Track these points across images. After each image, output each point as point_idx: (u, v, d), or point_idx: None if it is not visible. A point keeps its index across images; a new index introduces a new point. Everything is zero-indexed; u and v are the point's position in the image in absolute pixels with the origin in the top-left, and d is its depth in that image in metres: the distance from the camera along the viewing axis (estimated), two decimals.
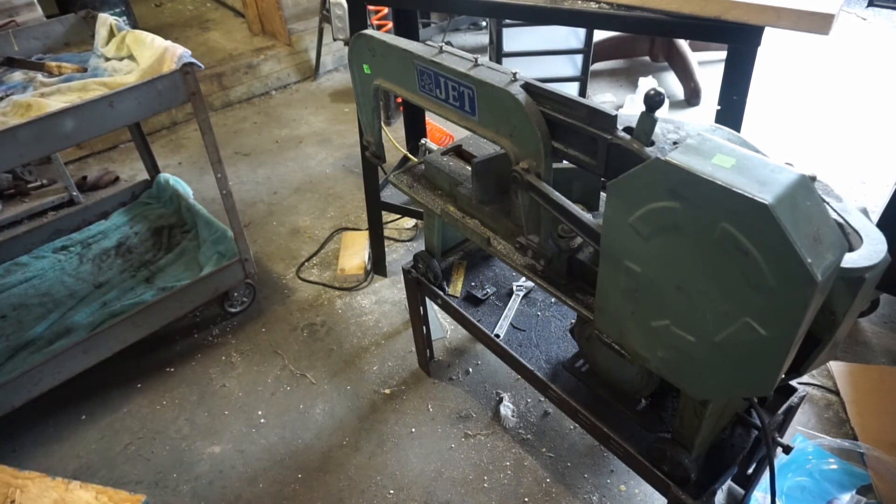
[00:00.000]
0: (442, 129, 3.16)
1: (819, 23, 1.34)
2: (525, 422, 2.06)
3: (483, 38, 4.82)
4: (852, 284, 0.97)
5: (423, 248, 1.87)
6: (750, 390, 1.00)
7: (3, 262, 2.59)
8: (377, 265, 2.70)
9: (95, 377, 2.24)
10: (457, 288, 1.88)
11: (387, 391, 2.21)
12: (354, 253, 2.74)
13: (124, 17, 4.00)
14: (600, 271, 1.14)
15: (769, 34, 1.42)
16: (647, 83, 3.67)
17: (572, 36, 3.32)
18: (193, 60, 1.92)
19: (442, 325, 2.42)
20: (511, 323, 1.76)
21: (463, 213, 1.59)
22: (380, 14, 3.69)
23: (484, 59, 1.32)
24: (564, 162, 1.30)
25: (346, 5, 3.38)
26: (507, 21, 3.22)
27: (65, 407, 2.21)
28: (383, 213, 2.56)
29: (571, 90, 3.01)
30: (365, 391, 2.22)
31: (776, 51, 4.33)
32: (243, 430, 2.12)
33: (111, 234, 2.74)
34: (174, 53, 1.91)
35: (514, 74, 1.24)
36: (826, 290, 0.90)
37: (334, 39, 3.66)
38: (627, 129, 1.11)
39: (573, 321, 1.58)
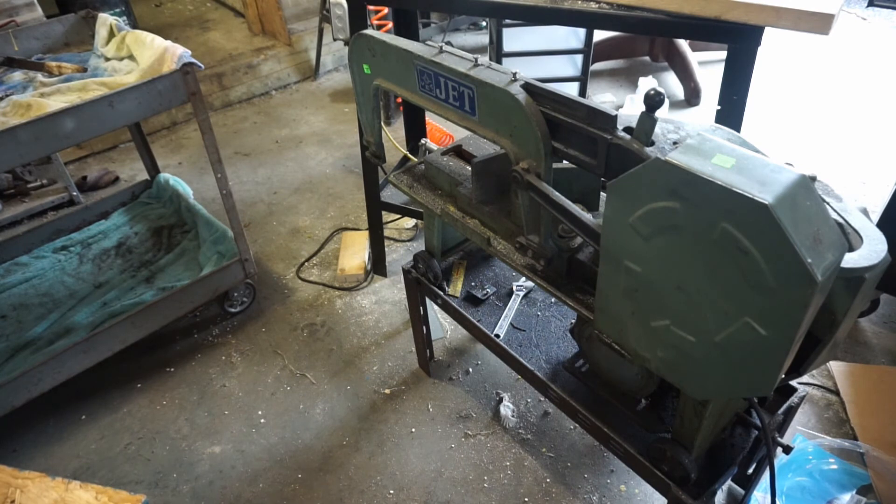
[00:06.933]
0: (442, 129, 3.17)
1: (819, 23, 1.34)
2: (525, 422, 2.06)
3: (483, 38, 4.82)
4: (852, 284, 0.97)
5: (423, 248, 1.87)
6: (750, 390, 1.00)
7: (3, 262, 2.59)
8: (377, 265, 2.70)
9: (95, 377, 2.24)
10: (457, 288, 1.88)
11: (387, 391, 2.21)
12: (354, 253, 2.74)
13: (124, 17, 4.00)
14: (600, 271, 1.14)
15: (769, 34, 1.42)
16: (647, 83, 3.67)
17: (572, 36, 3.32)
18: (193, 60, 1.92)
19: (442, 325, 2.42)
20: (511, 323, 1.76)
21: (463, 213, 1.59)
22: (380, 14, 3.69)
23: (484, 59, 1.32)
24: (564, 162, 1.30)
25: (346, 5, 3.38)
26: (507, 21, 3.22)
27: (65, 407, 2.21)
28: (383, 213, 2.56)
29: (571, 90, 3.01)
30: (365, 391, 2.22)
31: (776, 51, 4.33)
32: (243, 430, 2.12)
33: (111, 234, 2.74)
34: (174, 53, 1.91)
35: (514, 74, 1.24)
36: (826, 290, 0.90)
37: (334, 39, 3.66)
38: (627, 129, 1.11)
39: (573, 321, 1.58)
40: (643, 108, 1.04)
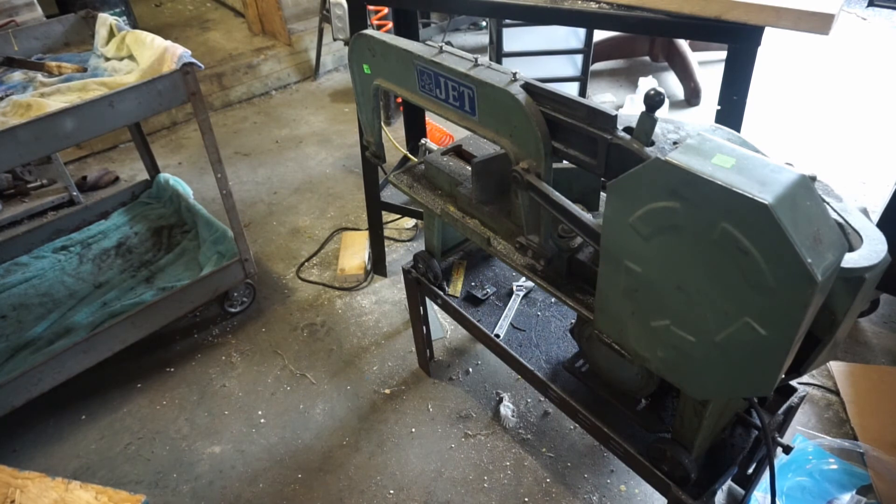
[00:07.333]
0: (442, 129, 3.16)
1: (819, 23, 1.34)
2: (525, 422, 2.06)
3: (483, 38, 4.82)
4: (852, 284, 0.97)
5: (423, 248, 1.87)
6: (750, 390, 1.00)
7: (3, 262, 2.59)
8: (377, 265, 2.70)
9: (95, 377, 2.24)
10: (457, 288, 1.88)
11: (387, 391, 2.21)
12: (354, 253, 2.74)
13: (124, 17, 4.00)
14: (600, 271, 1.14)
15: (769, 34, 1.42)
16: (647, 83, 3.67)
17: (572, 36, 3.32)
18: (193, 60, 1.92)
19: (442, 325, 2.42)
20: (511, 323, 1.76)
21: (463, 213, 1.59)
22: (380, 14, 3.69)
23: (484, 59, 1.32)
24: (564, 162, 1.30)
25: (346, 5, 3.38)
26: (507, 21, 3.22)
27: (65, 407, 2.21)
28: (383, 213, 2.56)
29: (571, 90, 3.01)
30: (365, 391, 2.22)
31: (776, 51, 4.33)
32: (243, 430, 2.12)
33: (111, 234, 2.74)
34: (174, 53, 1.91)
35: (514, 74, 1.24)
36: (826, 290, 0.90)
37: (334, 39, 3.66)
38: (627, 129, 1.11)
39: (573, 321, 1.58)
40: (643, 108, 1.04)
